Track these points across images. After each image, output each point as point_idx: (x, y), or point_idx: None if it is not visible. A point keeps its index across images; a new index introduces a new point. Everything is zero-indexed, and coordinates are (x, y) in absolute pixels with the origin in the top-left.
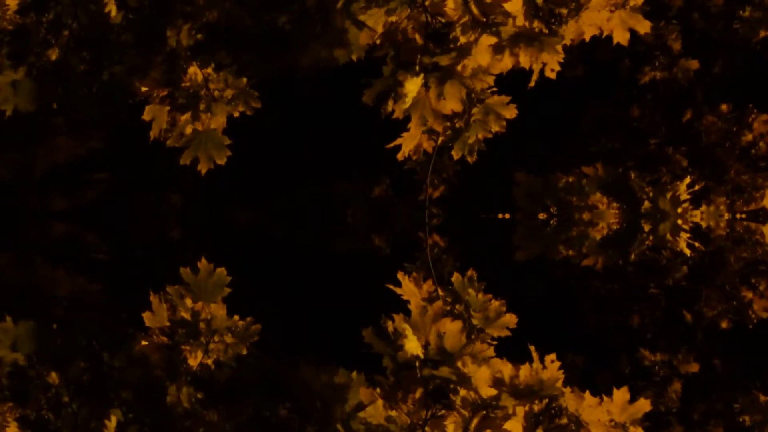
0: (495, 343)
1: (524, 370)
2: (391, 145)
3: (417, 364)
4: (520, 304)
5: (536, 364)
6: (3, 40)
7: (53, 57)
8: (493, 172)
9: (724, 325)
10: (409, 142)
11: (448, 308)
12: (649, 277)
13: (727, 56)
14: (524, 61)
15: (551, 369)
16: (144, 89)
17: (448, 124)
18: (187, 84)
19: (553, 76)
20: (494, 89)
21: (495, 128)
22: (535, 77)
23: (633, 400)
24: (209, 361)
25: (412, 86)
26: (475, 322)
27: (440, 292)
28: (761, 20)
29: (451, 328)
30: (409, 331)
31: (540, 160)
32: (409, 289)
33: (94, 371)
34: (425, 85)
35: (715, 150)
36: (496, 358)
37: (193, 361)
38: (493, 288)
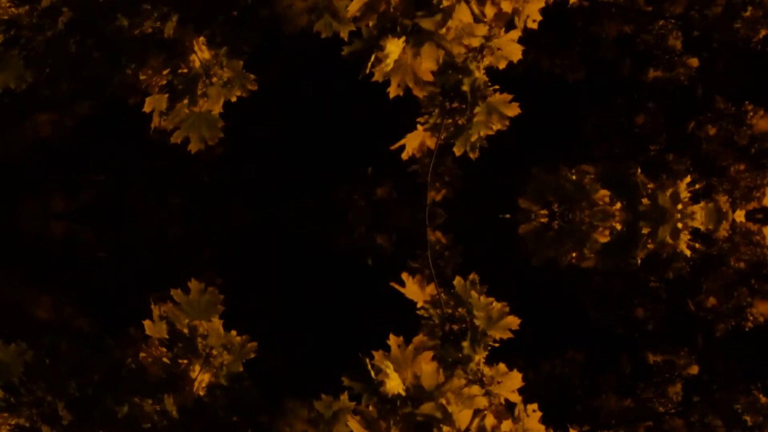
0: (497, 344)
1: (506, 425)
2: (396, 146)
3: (398, 403)
4: (520, 300)
5: (520, 413)
6: None
7: (45, 37)
8: (494, 176)
9: (722, 327)
10: (412, 141)
11: (450, 311)
12: (650, 271)
13: (728, 55)
14: (506, 6)
15: (533, 418)
16: (143, 77)
17: (432, 88)
18: (186, 71)
19: (534, 26)
20: (496, 87)
21: (497, 126)
22: (520, 26)
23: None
24: (206, 376)
25: (394, 47)
26: (477, 323)
27: (443, 297)
28: (761, 19)
29: (427, 369)
30: (390, 369)
31: (541, 164)
32: (413, 290)
33: (85, 391)
34: (404, 49)
35: (716, 149)
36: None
37: (192, 374)
38: (494, 283)
